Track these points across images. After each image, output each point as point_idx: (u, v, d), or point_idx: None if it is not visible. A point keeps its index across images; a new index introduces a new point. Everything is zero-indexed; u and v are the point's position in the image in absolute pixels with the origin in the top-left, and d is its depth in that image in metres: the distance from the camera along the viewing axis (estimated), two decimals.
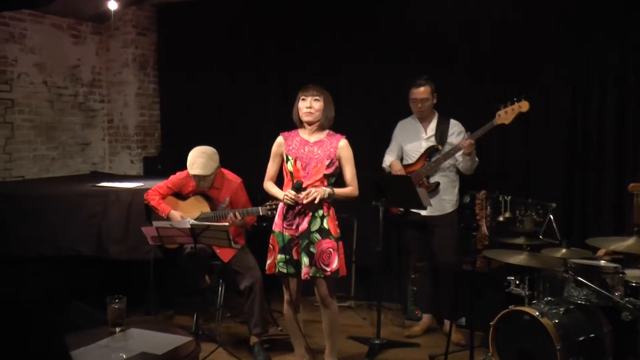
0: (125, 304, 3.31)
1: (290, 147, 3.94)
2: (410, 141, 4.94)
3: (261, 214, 4.43)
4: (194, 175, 4.62)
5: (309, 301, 5.15)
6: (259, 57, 6.37)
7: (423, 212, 4.74)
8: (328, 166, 3.85)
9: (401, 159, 5.01)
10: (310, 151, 3.90)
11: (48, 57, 6.35)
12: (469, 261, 4.33)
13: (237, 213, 4.55)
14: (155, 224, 4.27)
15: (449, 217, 4.85)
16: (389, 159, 5.00)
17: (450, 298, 4.85)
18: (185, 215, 4.72)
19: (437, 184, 4.80)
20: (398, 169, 4.86)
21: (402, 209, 4.90)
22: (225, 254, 4.68)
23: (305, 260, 3.84)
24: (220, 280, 4.97)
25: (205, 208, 4.76)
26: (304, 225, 3.85)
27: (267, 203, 4.34)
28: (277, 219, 3.97)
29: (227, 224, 4.16)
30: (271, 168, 4.06)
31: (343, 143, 3.90)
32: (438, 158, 4.75)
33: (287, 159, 3.93)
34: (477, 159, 4.76)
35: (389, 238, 5.63)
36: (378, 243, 4.46)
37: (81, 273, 5.14)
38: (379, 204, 4.42)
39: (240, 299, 4.75)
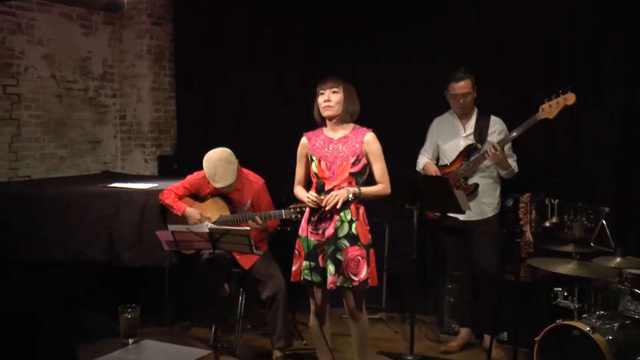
0: (139, 313, 3.31)
1: (315, 147, 3.95)
2: (448, 139, 4.90)
3: (284, 217, 4.43)
4: (221, 187, 4.65)
5: (337, 313, 5.13)
6: (284, 51, 6.37)
7: (461, 217, 4.71)
8: (354, 164, 3.83)
9: (437, 160, 4.99)
10: (334, 149, 3.89)
11: (57, 49, 6.41)
12: (511, 270, 4.29)
13: (257, 218, 4.55)
14: (171, 227, 4.28)
15: (490, 222, 4.81)
16: (423, 161, 4.98)
17: (491, 310, 4.81)
18: (204, 217, 4.72)
19: (476, 185, 4.76)
20: (433, 171, 4.83)
21: (438, 213, 4.87)
22: (246, 261, 4.68)
23: (330, 268, 3.82)
24: (241, 289, 4.97)
25: (225, 211, 4.77)
26: (330, 230, 3.83)
27: (292, 206, 4.33)
28: (303, 223, 3.97)
29: (248, 228, 4.16)
30: (299, 171, 4.07)
31: (369, 137, 3.87)
32: (477, 157, 4.71)
33: (312, 160, 3.94)
34: (514, 166, 4.69)
35: (423, 245, 5.61)
36: (412, 250, 4.42)
37: (91, 280, 5.17)
38: (413, 208, 4.39)
39: (262, 310, 4.75)
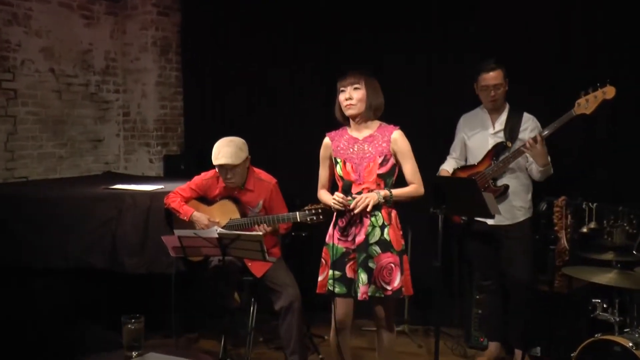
0: (143, 324, 3.31)
1: (338, 148, 3.94)
2: (475, 137, 4.89)
3: (299, 220, 4.42)
4: (220, 167, 4.64)
5: (358, 324, 5.12)
6: (300, 43, 6.38)
7: (490, 221, 4.68)
8: (381, 164, 3.83)
9: (465, 160, 4.98)
10: (360, 149, 3.89)
11: (56, 41, 6.45)
12: (545, 280, 4.28)
13: (264, 225, 4.55)
14: (178, 232, 4.28)
15: (521, 227, 4.78)
16: (445, 166, 4.98)
17: (522, 323, 4.78)
18: (212, 222, 4.74)
19: (506, 187, 4.73)
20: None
21: (464, 218, 4.85)
22: (258, 268, 4.68)
23: (362, 277, 3.80)
24: (252, 299, 4.98)
25: (235, 214, 4.77)
26: (361, 236, 3.83)
27: (307, 207, 4.33)
28: (331, 229, 3.95)
29: (260, 233, 4.16)
30: (322, 175, 4.07)
31: (397, 134, 3.87)
32: (506, 157, 4.68)
33: (336, 162, 3.94)
34: (549, 165, 4.66)
35: (449, 252, 5.58)
36: (436, 257, 4.39)
37: (92, 288, 5.20)
38: (438, 212, 4.35)
39: (275, 321, 4.75)
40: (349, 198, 3.78)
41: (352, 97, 3.84)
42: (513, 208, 4.77)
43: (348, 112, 3.88)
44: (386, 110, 3.98)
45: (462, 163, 4.99)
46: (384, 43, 5.95)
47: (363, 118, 3.90)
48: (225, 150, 4.60)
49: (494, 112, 4.83)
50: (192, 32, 7.00)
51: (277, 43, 6.47)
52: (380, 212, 3.83)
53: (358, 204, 3.73)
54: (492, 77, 4.74)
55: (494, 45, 5.39)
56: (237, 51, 6.66)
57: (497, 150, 4.76)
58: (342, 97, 3.88)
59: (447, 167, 5.00)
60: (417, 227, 5.56)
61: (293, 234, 4.92)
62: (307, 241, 5.36)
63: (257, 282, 4.75)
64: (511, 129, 4.75)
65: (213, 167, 4.72)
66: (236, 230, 4.45)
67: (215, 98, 6.87)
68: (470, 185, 4.36)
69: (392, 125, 3.91)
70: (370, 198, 3.74)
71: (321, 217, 4.30)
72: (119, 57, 7.04)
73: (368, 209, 3.74)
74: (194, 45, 7.00)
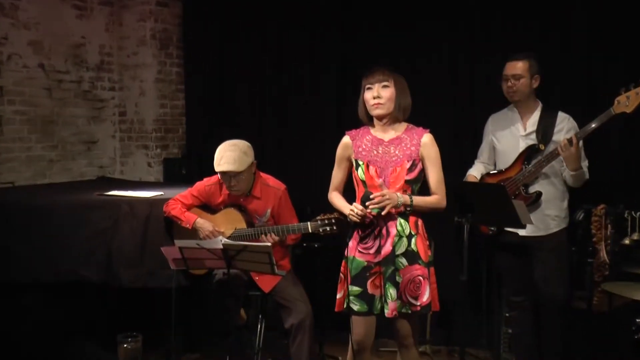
0: (141, 343, 3.34)
1: (360, 149, 3.93)
2: (505, 139, 4.88)
3: (311, 231, 4.43)
4: (223, 174, 4.66)
5: (375, 344, 5.12)
6: (315, 38, 6.38)
7: (521, 232, 4.68)
8: (410, 170, 3.83)
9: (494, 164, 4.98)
10: (385, 152, 3.88)
11: (45, 34, 6.45)
12: (582, 297, 4.26)
13: (272, 235, 4.56)
14: (179, 243, 4.30)
15: (556, 239, 4.77)
16: (472, 172, 4.98)
17: (557, 344, 4.77)
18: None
19: (539, 194, 4.72)
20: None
21: (493, 228, 4.84)
22: (266, 282, 4.70)
23: (391, 292, 3.81)
24: (260, 316, 4.99)
25: (240, 223, 4.78)
26: (388, 247, 3.82)
27: (319, 217, 4.33)
28: (351, 241, 3.93)
29: (269, 244, 4.17)
30: (336, 176, 4.06)
31: (427, 139, 3.87)
32: (539, 161, 4.67)
33: (357, 165, 3.92)
34: (585, 169, 4.65)
35: (476, 265, 5.57)
36: (462, 271, 4.41)
37: (86, 304, 5.21)
38: (464, 221, 4.37)
39: (285, 340, 4.76)
40: (368, 210, 3.77)
41: (380, 95, 3.83)
42: (547, 217, 4.76)
43: (375, 112, 3.87)
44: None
45: (491, 168, 4.99)
46: (404, 39, 5.95)
47: (391, 119, 3.90)
48: (228, 156, 4.61)
49: (523, 111, 4.83)
50: (195, 24, 7.01)
51: (289, 36, 6.47)
52: (407, 221, 3.83)
53: (374, 201, 3.71)
54: (513, 66, 4.75)
55: (524, 39, 5.40)
56: (245, 45, 6.66)
57: (528, 154, 4.75)
58: (368, 95, 3.87)
59: (475, 172, 5.01)
60: (440, 238, 5.52)
61: (305, 244, 4.93)
62: (320, 252, 5.37)
63: (265, 297, 4.77)
64: (544, 130, 4.74)
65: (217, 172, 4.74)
66: (242, 241, 4.46)
67: (220, 96, 6.88)
68: (499, 192, 4.37)
69: (421, 128, 3.92)
70: (390, 199, 3.71)
71: (335, 228, 4.29)
72: (115, 51, 7.06)
73: (384, 212, 3.73)
74: (197, 38, 7.01)
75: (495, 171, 4.92)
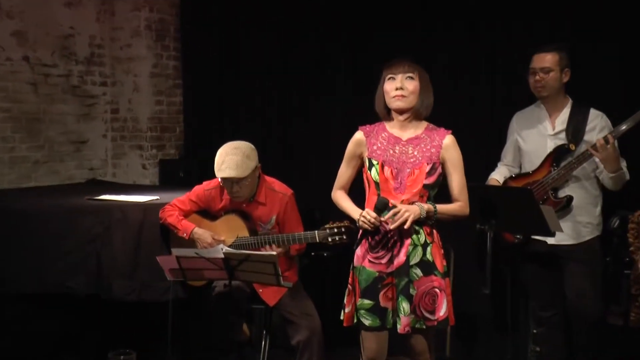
0: None
1: (375, 147, 3.89)
2: (531, 139, 4.87)
3: (319, 240, 4.42)
4: (224, 180, 4.65)
5: None
6: (325, 29, 6.39)
7: (550, 240, 4.66)
8: (429, 173, 3.79)
9: (520, 167, 4.97)
10: (403, 152, 3.85)
11: (31, 24, 6.47)
12: (617, 312, 4.24)
13: (274, 245, 4.56)
14: (176, 252, 4.30)
15: (588, 248, 4.75)
16: (495, 175, 4.97)
17: None
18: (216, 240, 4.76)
19: (569, 199, 4.71)
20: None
21: (519, 236, 4.83)
22: (271, 295, 4.70)
23: (404, 306, 3.78)
24: (264, 332, 4.97)
25: (243, 231, 4.78)
26: (401, 257, 3.79)
27: (328, 225, 4.32)
28: (359, 249, 3.90)
29: (274, 253, 4.17)
30: (344, 173, 4.03)
31: (449, 140, 3.84)
32: (570, 162, 4.66)
33: (371, 164, 3.87)
34: (624, 170, 4.64)
35: (500, 276, 5.55)
36: (485, 283, 4.39)
37: (75, 317, 5.22)
38: (486, 228, 4.37)
39: (292, 358, 4.75)
40: (382, 219, 3.72)
41: (404, 87, 3.78)
42: (578, 224, 4.74)
43: (395, 104, 3.82)
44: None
45: (516, 171, 4.97)
46: (418, 33, 5.97)
47: (413, 115, 3.86)
48: (230, 160, 4.59)
49: (551, 108, 4.81)
50: (194, 14, 7.03)
51: (296, 27, 6.48)
52: (422, 228, 3.81)
53: (396, 217, 3.67)
54: (541, 58, 4.73)
55: (552, 29, 5.40)
56: (248, 36, 6.68)
57: (557, 155, 4.73)
58: (390, 85, 3.82)
59: (498, 175, 4.99)
60: (461, 247, 5.54)
61: (313, 253, 4.92)
62: (330, 262, 5.37)
63: (270, 311, 4.76)
64: (575, 129, 4.72)
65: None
66: (245, 250, 4.46)
67: (220, 92, 6.90)
68: (526, 196, 4.37)
69: (443, 129, 3.89)
70: (411, 212, 3.67)
71: (345, 237, 4.29)
72: (107, 43, 7.08)
73: (406, 226, 3.67)
74: (196, 29, 7.03)
75: (520, 174, 4.90)
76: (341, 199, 4.01)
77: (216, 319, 4.89)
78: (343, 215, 4.10)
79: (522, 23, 5.63)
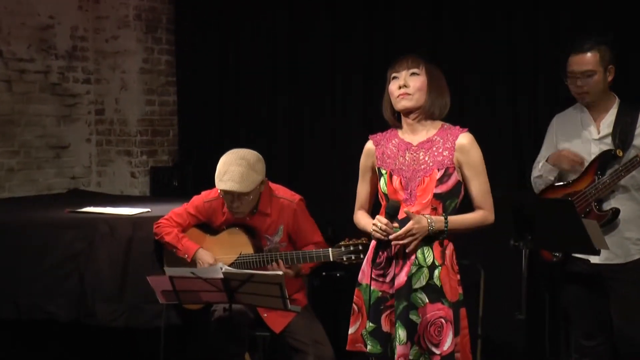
0: None
1: (384, 155, 3.90)
2: (572, 144, 4.85)
3: (332, 259, 4.45)
4: (224, 193, 4.66)
5: None
6: (337, 21, 6.43)
7: (594, 259, 4.67)
8: (440, 180, 3.77)
9: (560, 175, 4.97)
10: (413, 159, 3.84)
11: (4, 12, 6.50)
12: None
13: (280, 261, 4.57)
14: (169, 271, 4.31)
15: (638, 268, 4.74)
16: (541, 164, 4.95)
17: None
18: (218, 258, 4.78)
19: (615, 212, 4.70)
20: (565, 152, 4.75)
21: (558, 254, 4.84)
22: (276, 320, 4.72)
23: (400, 334, 3.75)
24: None
25: (247, 247, 4.81)
26: (402, 277, 3.77)
27: (343, 243, 4.35)
28: (365, 265, 3.93)
29: (280, 272, 4.19)
30: (362, 191, 4.04)
31: (464, 139, 3.81)
32: (617, 170, 4.66)
33: (380, 174, 3.89)
34: None
35: (537, 300, 5.57)
36: (519, 308, 4.41)
37: (55, 346, 5.24)
38: (521, 245, 4.37)
39: None
40: (396, 225, 3.73)
41: (407, 84, 3.77)
42: (626, 241, 4.73)
43: (400, 104, 3.81)
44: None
45: (551, 179, 4.96)
46: (443, 30, 6.03)
47: (422, 115, 3.84)
48: (234, 171, 4.58)
49: (595, 110, 4.79)
50: (189, 1, 7.06)
51: (305, 18, 6.52)
52: (432, 247, 3.78)
53: (399, 237, 3.68)
54: (580, 60, 4.67)
55: (596, 17, 5.42)
56: (250, 28, 6.70)
57: (603, 162, 4.72)
58: (393, 85, 3.82)
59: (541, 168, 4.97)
60: (492, 266, 5.55)
61: (324, 273, 4.92)
62: (343, 283, 5.37)
63: (276, 338, 4.79)
64: (622, 132, 4.71)
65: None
66: (248, 268, 4.49)
67: (219, 91, 6.92)
68: (566, 208, 4.35)
69: (457, 127, 3.86)
70: (418, 232, 3.67)
71: (362, 256, 4.29)
72: (90, 35, 7.11)
73: (408, 249, 3.70)
74: (192, 19, 7.05)
75: (560, 183, 4.90)
76: (362, 219, 3.99)
77: (215, 348, 4.88)
78: (360, 233, 4.10)
79: (566, 6, 5.66)
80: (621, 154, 4.67)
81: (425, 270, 3.76)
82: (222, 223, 4.91)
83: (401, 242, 3.68)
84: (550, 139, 4.99)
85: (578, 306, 4.98)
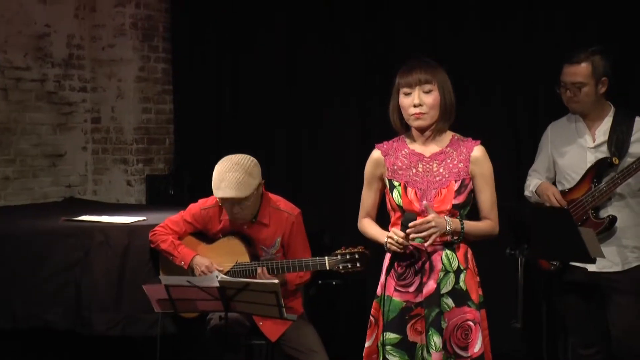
0: None
1: (395, 167, 3.88)
2: (568, 152, 4.86)
3: (328, 268, 4.46)
4: (223, 201, 4.68)
5: None
6: (337, 25, 6.44)
7: (591, 267, 4.67)
8: (458, 191, 3.79)
9: (555, 183, 4.99)
10: (427, 170, 3.84)
11: (0, 22, 6.50)
12: None
13: (263, 268, 4.59)
14: (165, 280, 4.32)
15: (636, 276, 4.74)
16: (535, 181, 4.96)
17: None
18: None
19: (612, 220, 4.70)
20: (551, 194, 4.80)
21: (555, 262, 4.86)
22: (272, 329, 4.73)
23: (435, 341, 3.76)
24: None
25: (243, 256, 4.82)
26: (431, 285, 3.78)
27: (339, 251, 4.36)
28: (383, 276, 3.91)
29: (276, 281, 4.18)
30: (367, 199, 4.01)
31: (478, 152, 3.82)
32: (613, 178, 4.67)
33: (392, 186, 3.87)
34: None
35: (533, 309, 5.58)
36: (516, 317, 4.41)
37: (51, 356, 5.24)
38: (517, 254, 4.38)
39: None
40: (410, 237, 3.70)
41: (422, 102, 3.74)
42: (623, 249, 4.74)
43: (416, 124, 3.79)
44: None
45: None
46: (446, 33, 6.04)
47: (436, 130, 3.84)
48: (230, 178, 4.59)
49: (594, 117, 4.79)
50: (186, 10, 7.07)
51: (304, 24, 6.54)
52: (455, 252, 3.81)
53: (418, 228, 3.64)
54: (572, 71, 4.69)
55: (593, 24, 5.44)
56: (248, 36, 6.70)
57: (599, 170, 4.72)
58: (406, 101, 3.78)
59: (538, 180, 5.01)
60: (488, 274, 5.49)
61: (320, 282, 4.92)
62: (340, 292, 5.38)
63: (272, 347, 4.80)
64: (618, 140, 4.71)
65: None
66: (244, 277, 4.50)
67: (216, 99, 6.94)
68: (563, 217, 4.35)
69: (470, 139, 3.88)
70: (437, 226, 3.64)
71: (358, 265, 4.31)
72: (87, 43, 7.12)
73: (427, 243, 3.67)
74: (189, 27, 7.06)
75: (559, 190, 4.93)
76: (368, 226, 3.98)
77: (211, 356, 4.90)
78: (357, 241, 4.11)
79: (564, 15, 5.69)
80: (617, 161, 4.67)
81: (452, 275, 3.80)
82: (219, 231, 4.91)
83: (419, 234, 3.65)
84: (545, 147, 5.00)
85: (575, 315, 4.99)
